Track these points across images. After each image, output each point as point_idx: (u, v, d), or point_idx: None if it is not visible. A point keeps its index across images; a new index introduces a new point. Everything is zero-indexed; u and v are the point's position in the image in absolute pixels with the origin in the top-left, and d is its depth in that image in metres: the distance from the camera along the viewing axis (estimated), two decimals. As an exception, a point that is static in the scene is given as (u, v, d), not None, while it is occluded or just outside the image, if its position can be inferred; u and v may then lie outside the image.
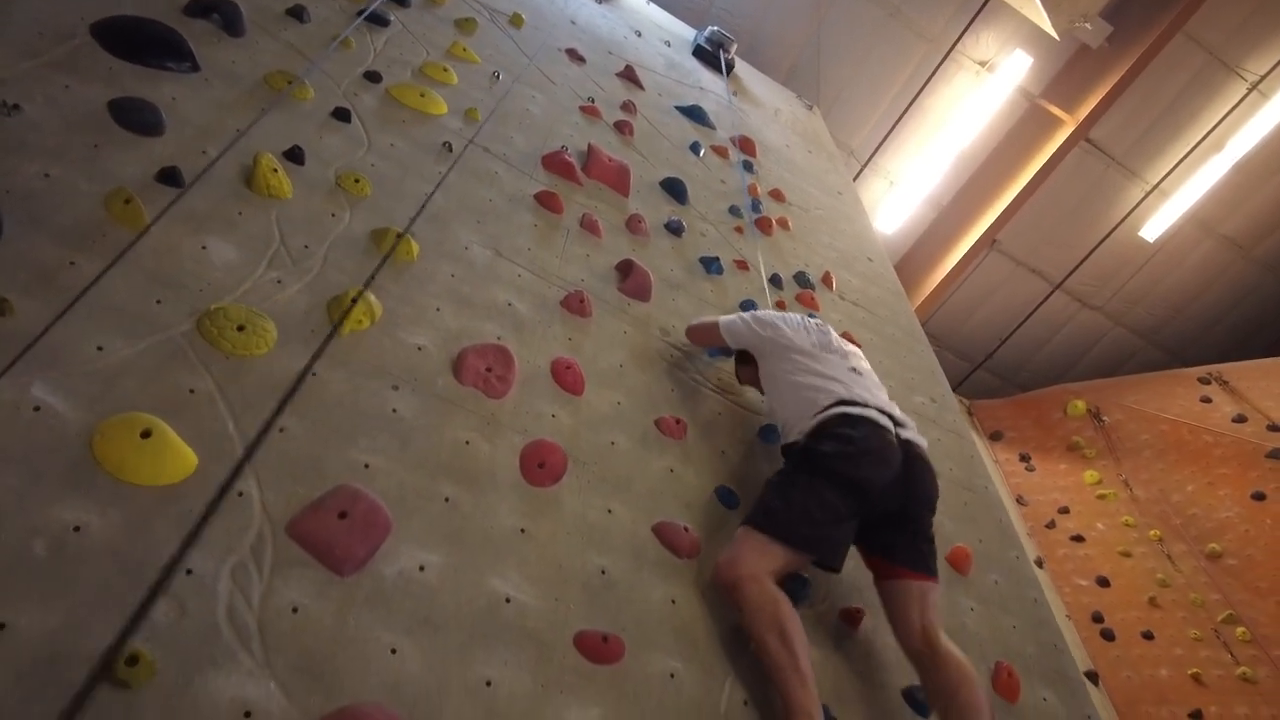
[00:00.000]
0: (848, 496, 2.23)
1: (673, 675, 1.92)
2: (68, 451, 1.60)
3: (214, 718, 1.38)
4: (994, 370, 11.81)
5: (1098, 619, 7.56)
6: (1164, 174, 10.07)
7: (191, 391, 1.85)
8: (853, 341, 3.60)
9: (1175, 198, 10.29)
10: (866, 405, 2.44)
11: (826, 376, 2.56)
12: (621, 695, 1.80)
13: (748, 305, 3.59)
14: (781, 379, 2.68)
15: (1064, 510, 8.60)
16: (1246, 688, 6.65)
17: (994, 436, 9.89)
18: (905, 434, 2.46)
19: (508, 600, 1.83)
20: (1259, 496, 7.70)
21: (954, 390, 4.39)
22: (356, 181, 2.77)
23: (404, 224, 2.72)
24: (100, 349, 1.80)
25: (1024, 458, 9.42)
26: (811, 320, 2.91)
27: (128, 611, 1.43)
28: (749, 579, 2.05)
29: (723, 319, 2.96)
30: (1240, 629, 7.00)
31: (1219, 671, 6.84)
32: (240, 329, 2.04)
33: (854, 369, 2.67)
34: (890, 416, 2.47)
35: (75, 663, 1.34)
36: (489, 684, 1.66)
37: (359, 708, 1.47)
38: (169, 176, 2.32)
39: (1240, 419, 8.44)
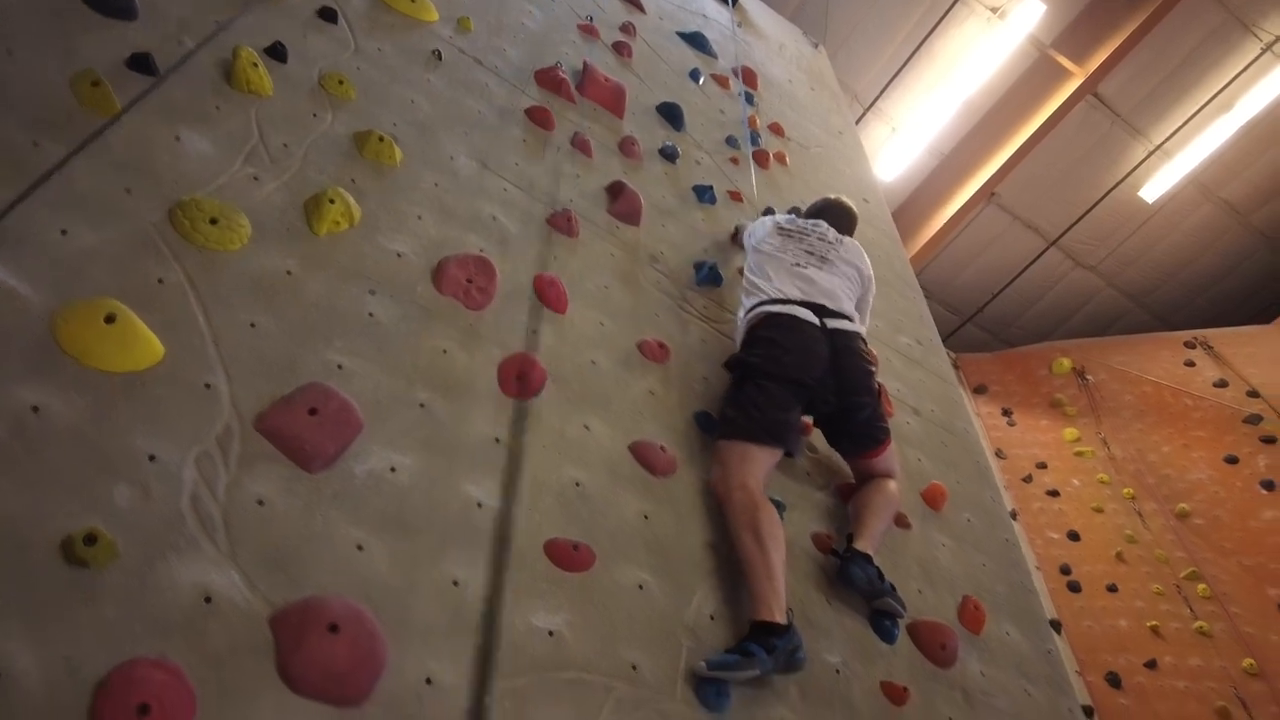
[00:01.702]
0: (787, 388, 2.45)
1: (641, 586, 1.93)
2: (28, 333, 1.55)
3: (175, 603, 1.37)
4: (983, 325, 11.81)
5: (1065, 571, 7.74)
6: (1169, 134, 9.92)
7: (160, 281, 1.80)
8: None
9: (1178, 159, 10.17)
10: (789, 301, 2.64)
11: (768, 276, 2.77)
12: (589, 602, 1.81)
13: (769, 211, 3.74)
14: (743, 282, 2.92)
15: (1042, 465, 8.71)
16: (1202, 641, 6.85)
17: (978, 390, 9.95)
18: (833, 324, 2.64)
19: (479, 505, 1.82)
20: (1232, 460, 7.81)
21: (942, 343, 4.41)
22: (340, 83, 2.67)
23: (388, 129, 2.64)
24: (65, 233, 1.74)
25: (1006, 412, 9.50)
26: (809, 223, 3.05)
27: (88, 493, 1.40)
28: (737, 488, 2.20)
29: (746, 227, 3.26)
30: (1201, 585, 7.18)
31: (1177, 625, 7.04)
32: (213, 222, 1.97)
33: (803, 274, 2.78)
34: (821, 308, 2.65)
35: (34, 541, 1.32)
36: (456, 584, 1.66)
37: (322, 599, 1.47)
38: (141, 63, 2.22)
39: (1221, 384, 8.52)
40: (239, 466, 1.59)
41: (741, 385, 2.51)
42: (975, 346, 11.54)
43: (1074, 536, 7.97)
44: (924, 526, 2.80)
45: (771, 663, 1.84)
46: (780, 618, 1.93)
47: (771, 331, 2.57)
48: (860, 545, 2.31)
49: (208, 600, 1.39)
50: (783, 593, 1.98)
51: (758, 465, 2.27)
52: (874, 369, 2.68)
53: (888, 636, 2.26)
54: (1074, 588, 7.60)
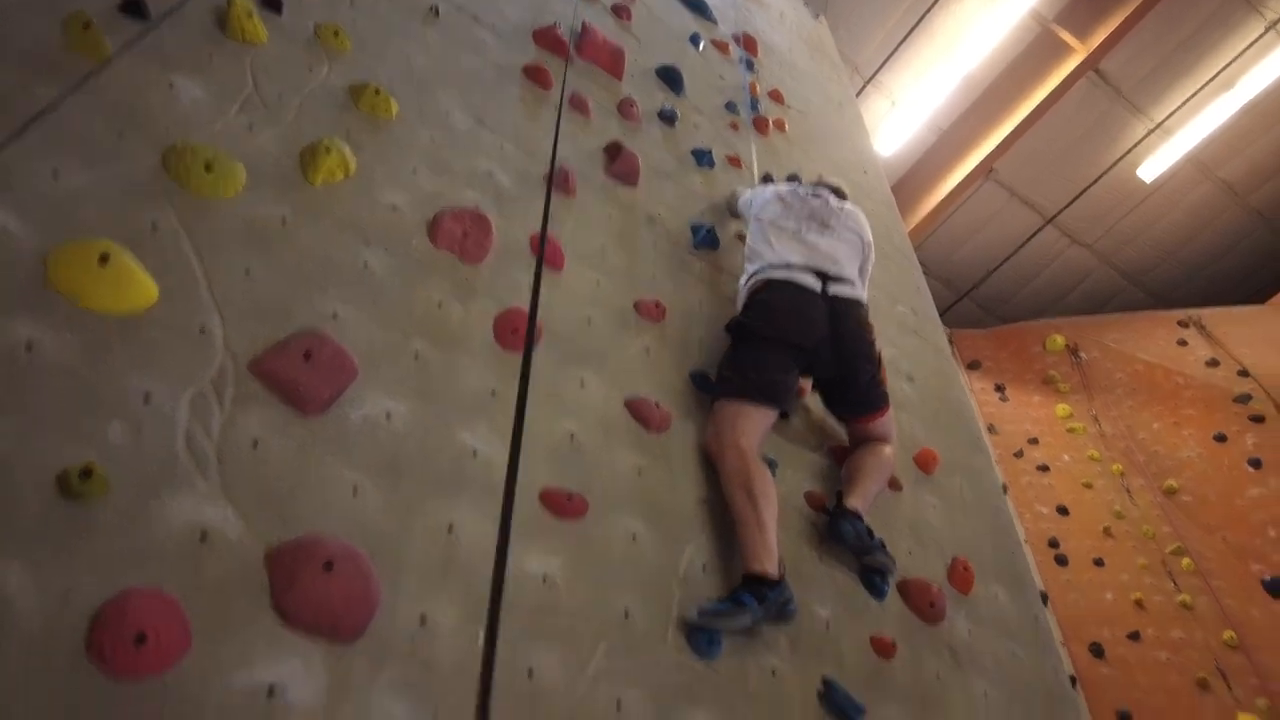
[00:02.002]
0: (783, 350, 2.47)
1: (635, 537, 1.94)
2: (20, 272, 1.54)
3: (170, 537, 1.38)
4: (978, 302, 11.84)
5: (1053, 544, 7.83)
6: (1170, 112, 9.89)
7: (154, 226, 1.78)
8: None
9: (1178, 137, 10.14)
10: (791, 267, 2.64)
11: (770, 243, 2.76)
12: (583, 550, 1.82)
13: (769, 178, 3.77)
14: (745, 250, 2.92)
15: (1033, 441, 8.79)
16: (1184, 614, 6.96)
17: (971, 366, 9.99)
18: (834, 289, 2.65)
19: (474, 454, 1.83)
20: (1220, 438, 7.89)
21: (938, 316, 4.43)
22: (336, 35, 2.63)
23: (385, 83, 2.60)
24: (56, 174, 1.72)
25: (999, 388, 9.56)
26: (810, 189, 3.05)
27: (82, 429, 1.40)
28: (730, 447, 2.21)
29: (742, 195, 3.22)
30: (1185, 560, 7.27)
31: (1160, 598, 7.16)
32: (208, 169, 1.95)
33: (805, 240, 2.77)
34: (824, 274, 2.65)
35: (28, 474, 1.32)
36: (450, 529, 1.67)
37: (317, 537, 1.47)
38: (132, 7, 2.18)
39: (1213, 363, 8.57)
40: (234, 407, 1.59)
41: (739, 347, 2.53)
42: (970, 323, 11.57)
43: (1063, 511, 8.06)
44: (915, 489, 2.82)
45: (762, 612, 1.87)
46: (772, 570, 1.95)
47: (771, 295, 2.59)
48: (851, 503, 2.33)
49: (202, 536, 1.40)
50: (774, 547, 2.01)
51: (753, 425, 2.29)
52: (874, 337, 2.68)
53: (878, 593, 2.28)
54: (1061, 561, 7.70)
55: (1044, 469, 8.48)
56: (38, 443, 1.36)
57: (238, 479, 1.49)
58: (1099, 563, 7.56)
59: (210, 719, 1.27)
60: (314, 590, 1.39)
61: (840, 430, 2.77)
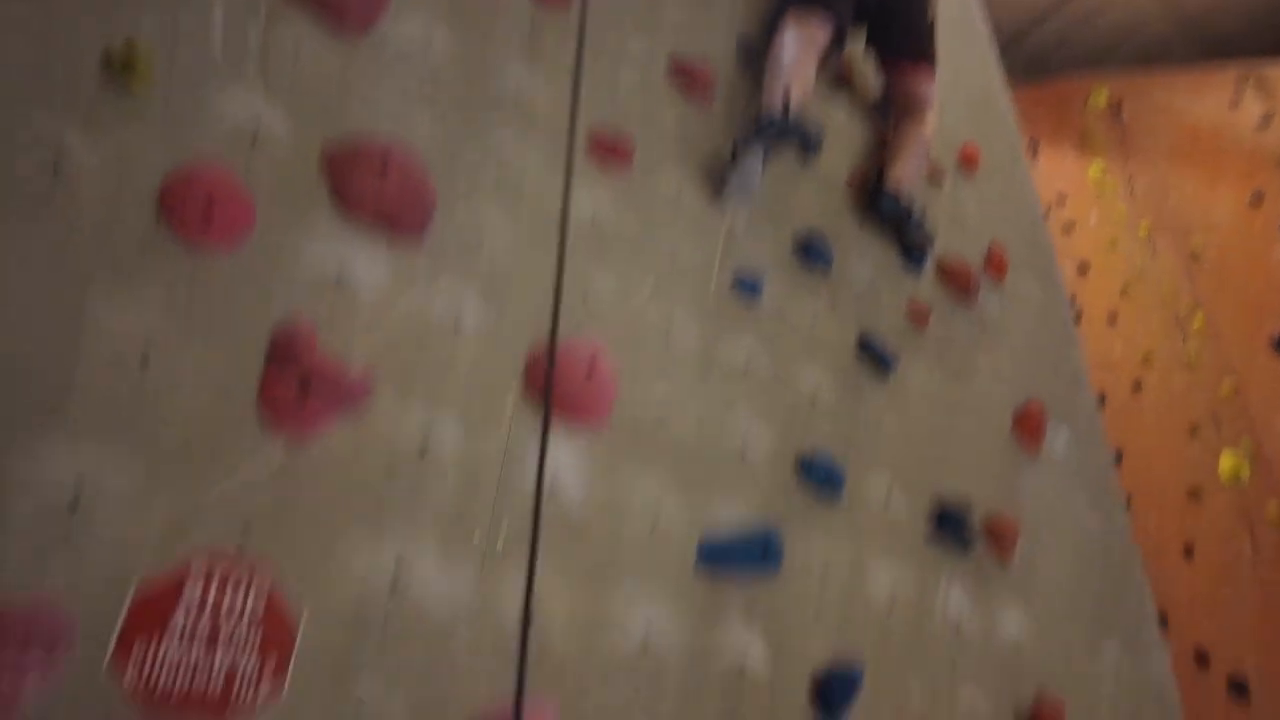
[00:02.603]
0: None
1: (680, 190, 1.92)
2: None
3: (222, 127, 1.36)
4: (1028, 52, 11.05)
5: (1070, 302, 7.90)
6: None
7: None
8: None
9: None
10: None
11: None
12: (630, 194, 1.81)
13: None
14: None
15: (1061, 198, 8.61)
16: (1189, 369, 7.17)
17: (1006, 126, 9.56)
18: None
19: (519, 90, 1.76)
20: (1256, 200, 7.66)
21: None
22: None
23: None
24: None
25: (1032, 144, 9.20)
26: None
27: (116, 15, 1.33)
28: (778, 35, 2.21)
29: None
30: (1198, 319, 7.36)
31: (1168, 352, 7.34)
32: None
33: None
34: None
35: (69, 48, 1.28)
36: (503, 156, 1.65)
37: (372, 137, 1.45)
38: None
39: (1265, 122, 8.13)
40: (269, 20, 1.51)
41: None
42: (1013, 75, 10.88)
43: (1083, 269, 8.06)
44: (956, 185, 2.77)
45: (773, 132, 1.97)
46: (775, 107, 2.02)
47: None
48: (892, 175, 2.29)
49: (254, 132, 1.38)
50: (790, 93, 2.05)
51: (806, 27, 2.22)
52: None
53: (916, 265, 2.31)
54: (1075, 319, 7.81)
55: (1069, 227, 8.37)
56: (72, 20, 1.30)
57: (283, 86, 1.45)
58: (1112, 320, 7.68)
59: (281, 295, 1.31)
60: (372, 185, 1.40)
61: (887, 120, 2.66)
